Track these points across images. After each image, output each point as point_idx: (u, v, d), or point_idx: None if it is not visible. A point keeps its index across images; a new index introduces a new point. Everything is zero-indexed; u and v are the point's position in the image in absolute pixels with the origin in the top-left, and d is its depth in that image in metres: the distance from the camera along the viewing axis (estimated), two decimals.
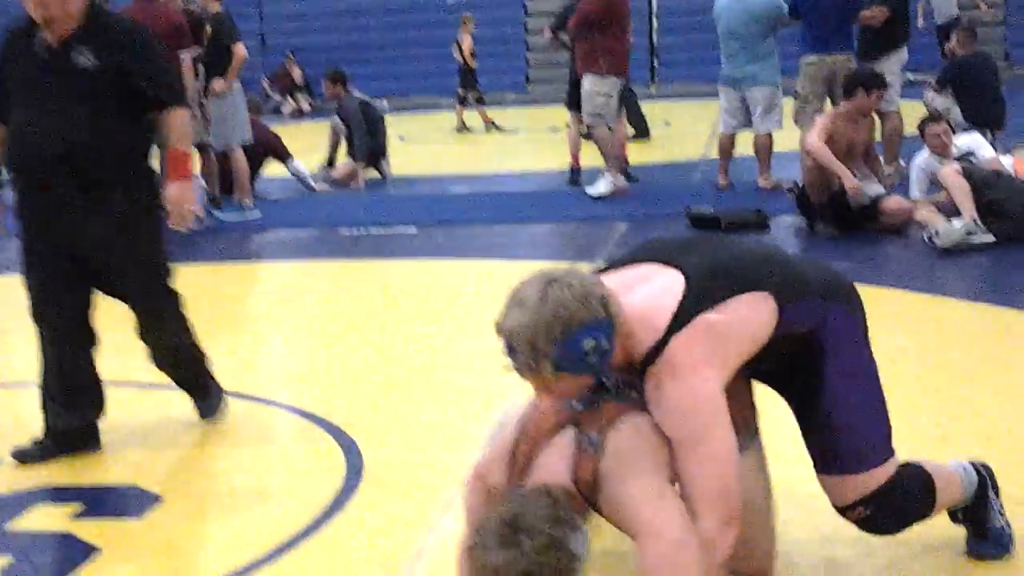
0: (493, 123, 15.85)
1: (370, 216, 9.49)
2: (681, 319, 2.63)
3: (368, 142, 11.24)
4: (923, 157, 7.93)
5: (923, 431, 4.22)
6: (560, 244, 8.52)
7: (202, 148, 9.66)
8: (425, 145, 14.80)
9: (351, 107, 11.28)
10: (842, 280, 2.99)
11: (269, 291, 7.51)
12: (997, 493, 3.20)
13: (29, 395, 4.57)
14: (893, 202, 7.74)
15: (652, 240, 3.05)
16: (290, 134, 12.05)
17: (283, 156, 10.86)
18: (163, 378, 5.26)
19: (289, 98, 20.68)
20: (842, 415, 2.86)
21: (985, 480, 3.16)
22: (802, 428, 2.95)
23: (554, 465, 2.68)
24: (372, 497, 3.79)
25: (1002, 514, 3.19)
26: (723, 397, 2.66)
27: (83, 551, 3.46)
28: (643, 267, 2.80)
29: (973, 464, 3.19)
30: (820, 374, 2.84)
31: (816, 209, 7.81)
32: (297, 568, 3.34)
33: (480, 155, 14.32)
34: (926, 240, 7.14)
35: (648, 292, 2.71)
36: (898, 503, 2.93)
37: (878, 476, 2.88)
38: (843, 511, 2.93)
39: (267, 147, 10.58)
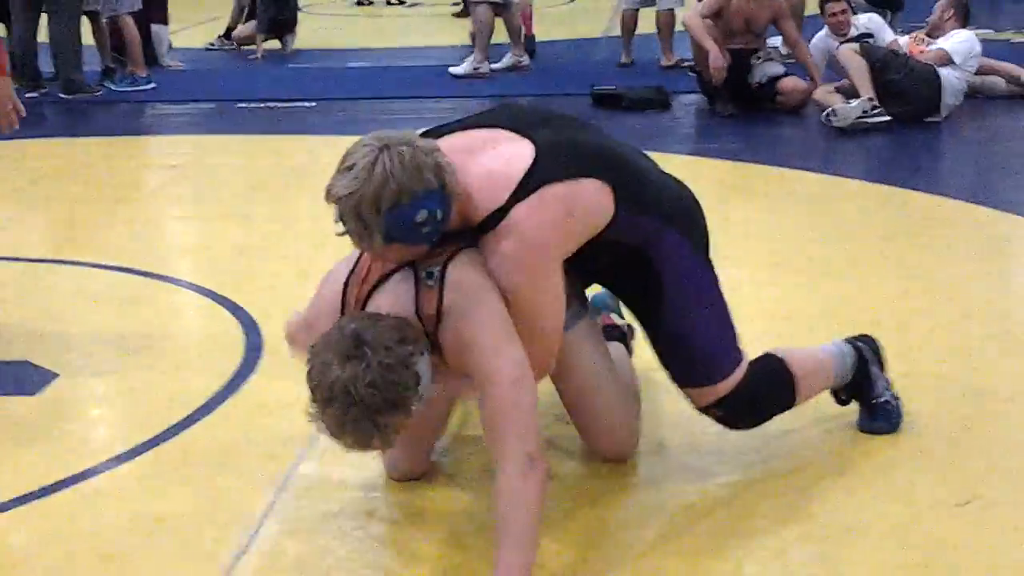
0: None
1: (268, 90, 9.31)
2: (526, 188, 2.61)
3: (273, 12, 11.00)
4: (821, 36, 7.98)
5: (817, 309, 4.31)
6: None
7: (93, 16, 9.37)
8: (325, 18, 14.50)
9: None
10: (685, 201, 3.02)
11: (164, 165, 7.36)
12: (883, 367, 3.25)
13: None
14: (790, 82, 7.78)
15: (509, 105, 3.00)
16: (190, 3, 11.73)
17: (159, 20, 10.50)
18: (55, 253, 5.18)
19: None
20: (684, 336, 2.92)
21: (865, 356, 3.21)
22: (650, 342, 3.02)
23: (392, 303, 2.62)
24: (271, 375, 3.78)
25: (889, 388, 3.24)
26: (560, 270, 2.70)
27: None
28: (494, 132, 2.74)
29: (852, 341, 3.24)
30: (658, 296, 2.88)
31: (712, 87, 7.81)
32: (196, 445, 3.33)
33: (381, 29, 14.08)
34: (823, 120, 7.21)
35: (493, 158, 2.67)
36: (751, 401, 3.00)
37: (728, 383, 2.95)
38: (702, 411, 3.03)
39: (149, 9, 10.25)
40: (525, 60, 9.69)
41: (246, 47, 11.32)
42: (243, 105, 8.77)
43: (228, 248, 5.34)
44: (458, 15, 13.44)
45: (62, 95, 9.03)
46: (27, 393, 3.68)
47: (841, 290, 4.51)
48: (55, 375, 3.80)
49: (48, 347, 4.05)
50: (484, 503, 2.84)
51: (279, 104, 8.76)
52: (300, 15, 11.67)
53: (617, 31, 10.15)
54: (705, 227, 3.02)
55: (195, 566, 2.76)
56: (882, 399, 3.22)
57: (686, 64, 9.16)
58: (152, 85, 9.38)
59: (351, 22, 14.60)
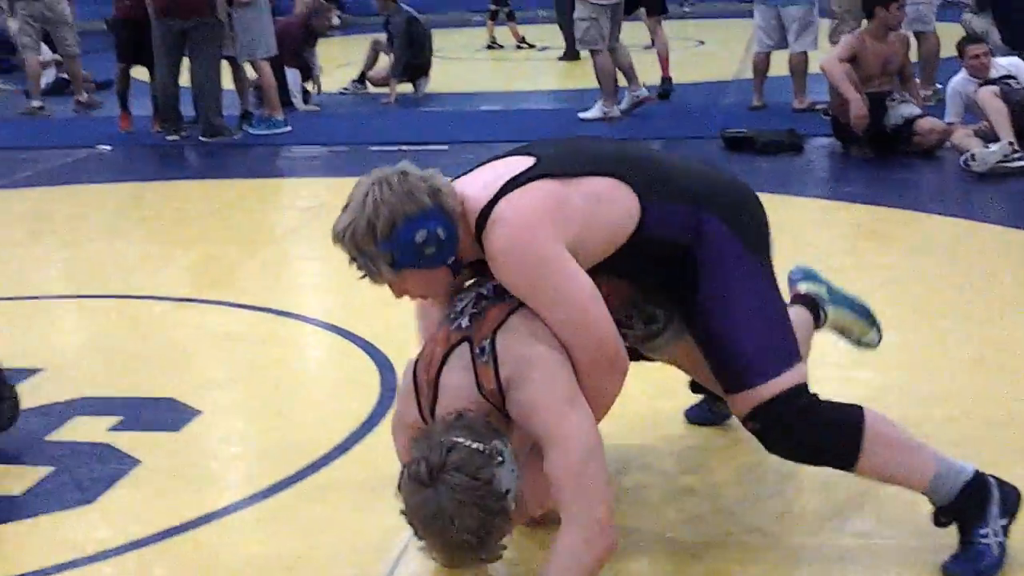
0: (524, 40, 15.69)
1: (400, 133, 9.46)
2: (515, 184, 2.59)
3: (408, 58, 11.21)
4: (959, 79, 7.82)
5: (955, 357, 4.22)
6: None
7: (232, 61, 9.64)
8: (456, 62, 14.70)
9: (398, 21, 11.24)
10: (725, 186, 2.83)
11: (299, 207, 7.51)
12: (1008, 516, 2.75)
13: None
14: (927, 123, 7.64)
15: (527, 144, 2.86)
16: (320, 49, 11.97)
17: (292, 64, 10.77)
18: (196, 292, 5.32)
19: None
20: (722, 334, 2.70)
21: (988, 490, 2.74)
22: (696, 344, 2.82)
23: (457, 383, 2.62)
24: None
25: (997, 535, 2.72)
26: (563, 249, 2.56)
27: (123, 462, 3.50)
28: (509, 158, 2.74)
29: (986, 475, 2.77)
30: (697, 291, 2.71)
31: (850, 130, 7.72)
32: (334, 484, 3.38)
33: (510, 73, 14.21)
34: (962, 165, 7.07)
35: (491, 171, 2.68)
36: (797, 423, 2.67)
37: (769, 388, 2.66)
38: (744, 424, 2.76)
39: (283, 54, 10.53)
40: (643, 92, 9.63)
41: (379, 89, 11.52)
42: (376, 148, 8.92)
43: (362, 288, 5.39)
44: (563, 58, 13.56)
45: (202, 138, 9.28)
46: (171, 429, 3.78)
47: (984, 338, 4.40)
48: (198, 412, 3.89)
49: (191, 385, 4.15)
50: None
51: (411, 147, 8.88)
52: (433, 60, 11.85)
53: (748, 73, 10.10)
54: (762, 222, 2.83)
55: None
56: (982, 542, 2.71)
57: (819, 107, 9.07)
58: (288, 128, 9.60)
59: (481, 66, 14.77)
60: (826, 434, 2.71)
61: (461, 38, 17.09)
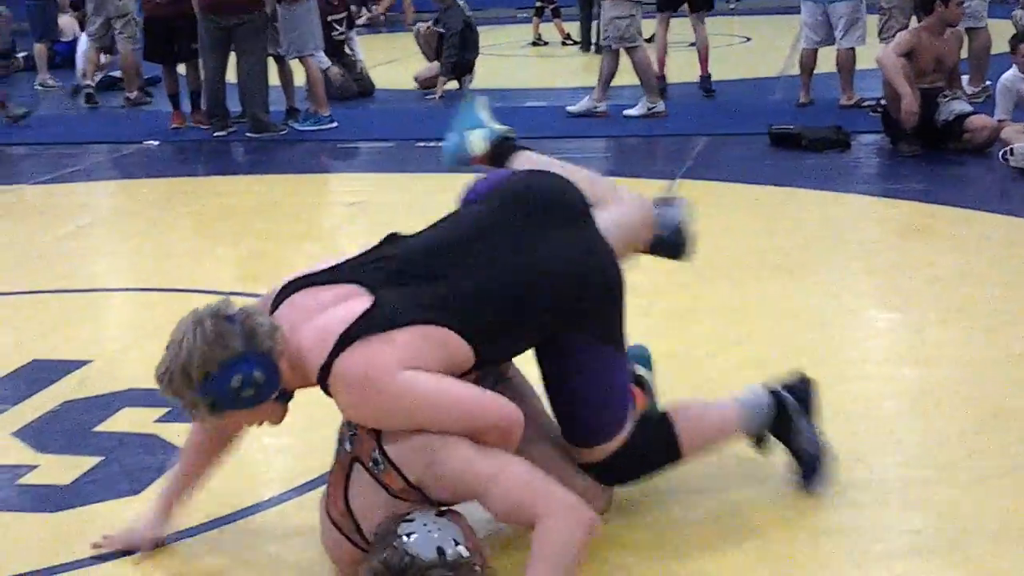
0: (569, 36, 15.67)
1: (446, 128, 9.44)
2: (347, 340, 2.60)
3: (459, 57, 11.24)
4: (1010, 75, 7.75)
5: (1001, 355, 4.18)
6: (636, 160, 8.46)
7: (278, 58, 9.69)
8: (501, 58, 14.70)
9: (455, 20, 11.27)
10: (559, 292, 2.81)
11: (344, 203, 7.55)
12: (808, 412, 3.18)
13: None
14: (978, 120, 7.58)
15: (372, 251, 2.87)
16: (366, 44, 12.05)
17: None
18: (242, 286, 5.35)
19: (365, 8, 20.57)
20: (576, 403, 2.92)
21: (787, 406, 3.15)
22: (547, 396, 3.00)
23: (371, 501, 2.68)
24: None
25: (812, 434, 3.17)
26: (405, 373, 2.60)
27: (170, 453, 3.54)
28: (344, 288, 2.72)
29: (776, 391, 3.17)
30: (556, 367, 2.90)
31: (899, 126, 7.66)
32: None
33: (555, 70, 14.20)
34: (1000, 159, 7.01)
35: (326, 318, 2.66)
36: (626, 463, 3.00)
37: (609, 447, 2.95)
38: (581, 467, 3.00)
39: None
40: (660, 107, 9.60)
41: (425, 89, 11.54)
42: (421, 144, 8.94)
43: None
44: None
45: (249, 134, 9.34)
46: None
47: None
48: None
49: None
50: None
51: None
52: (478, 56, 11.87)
53: (795, 70, 10.04)
54: (601, 298, 2.88)
55: None
56: (803, 447, 3.17)
57: (866, 103, 9.02)
58: (334, 124, 9.64)
59: (526, 62, 14.76)
60: (650, 461, 3.07)
61: (506, 35, 17.09)
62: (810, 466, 3.17)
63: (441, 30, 11.48)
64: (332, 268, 2.81)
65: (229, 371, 2.57)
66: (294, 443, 3.67)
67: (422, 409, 2.62)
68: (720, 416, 3.15)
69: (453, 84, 11.44)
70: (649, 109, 9.40)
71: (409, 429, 2.64)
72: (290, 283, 2.79)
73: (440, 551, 2.51)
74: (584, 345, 2.87)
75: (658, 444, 3.06)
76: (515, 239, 2.82)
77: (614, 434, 2.95)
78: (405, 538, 2.53)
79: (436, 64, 11.54)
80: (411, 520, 2.58)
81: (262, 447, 3.66)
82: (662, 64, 10.44)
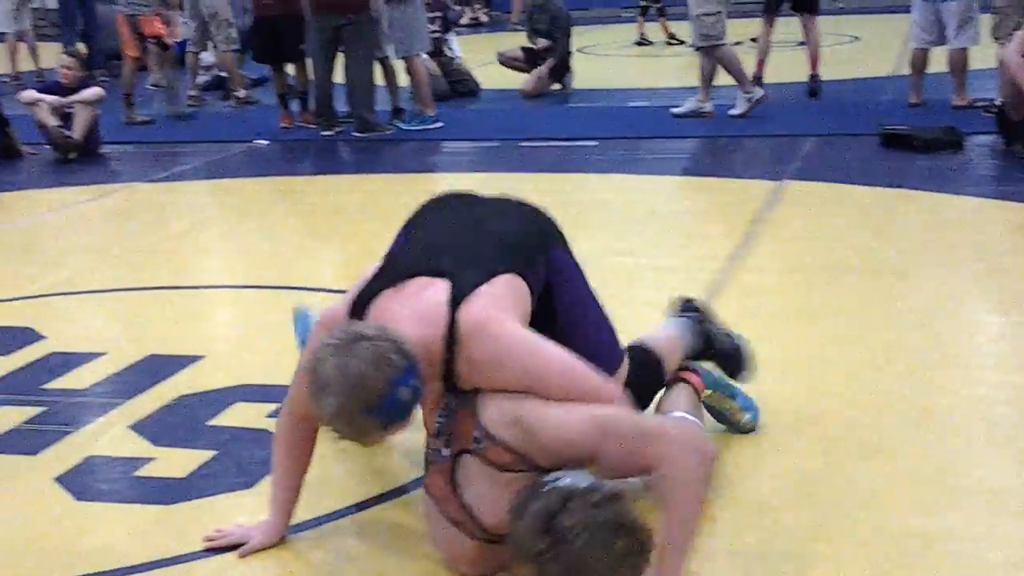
0: (674, 36, 15.58)
1: (550, 128, 9.49)
2: (455, 302, 2.75)
3: (564, 56, 11.29)
4: None
5: None
6: (741, 161, 8.39)
7: (383, 59, 9.77)
8: (605, 58, 14.68)
9: (563, 14, 11.30)
10: (547, 218, 3.20)
11: None
12: (711, 318, 3.65)
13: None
14: None
15: (414, 240, 3.15)
16: (469, 44, 12.10)
17: None
18: (348, 284, 5.41)
19: (467, 8, 20.68)
20: (578, 338, 2.98)
21: (695, 315, 3.62)
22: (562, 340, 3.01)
23: (486, 487, 2.71)
24: None
25: (730, 335, 3.64)
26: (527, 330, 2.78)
27: None
28: (411, 284, 2.83)
29: (684, 315, 3.63)
30: (555, 306, 3.02)
31: (1015, 127, 7.49)
32: None
33: (659, 69, 14.13)
34: None
35: (421, 304, 2.77)
36: (639, 391, 3.18)
37: (622, 373, 3.16)
38: None
39: None
40: (759, 93, 9.49)
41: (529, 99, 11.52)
42: (526, 143, 8.97)
43: None
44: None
45: (356, 134, 9.44)
46: None
47: None
48: None
49: None
50: None
51: (560, 143, 8.91)
52: (581, 56, 11.88)
53: (906, 70, 9.87)
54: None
55: None
56: (724, 344, 3.61)
57: (979, 104, 8.84)
58: (439, 124, 9.70)
59: (631, 62, 14.71)
60: (650, 387, 3.35)
61: (610, 34, 17.05)
62: (735, 357, 3.61)
63: (543, 41, 11.48)
64: (383, 272, 2.95)
65: (396, 387, 2.60)
66: (403, 440, 3.70)
67: (537, 356, 2.72)
68: (679, 344, 3.50)
69: (555, 86, 11.46)
70: (750, 100, 9.31)
71: (520, 385, 2.69)
72: (357, 299, 2.88)
73: (594, 482, 2.52)
74: (570, 261, 3.13)
75: (652, 372, 3.35)
76: (488, 206, 3.27)
77: (620, 357, 3.20)
78: (555, 482, 2.52)
79: (538, 71, 11.49)
80: (551, 477, 2.57)
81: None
82: (761, 64, 10.33)
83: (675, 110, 9.56)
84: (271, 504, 3.07)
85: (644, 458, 2.59)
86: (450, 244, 2.98)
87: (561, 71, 11.51)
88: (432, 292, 2.79)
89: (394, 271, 2.94)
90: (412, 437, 3.58)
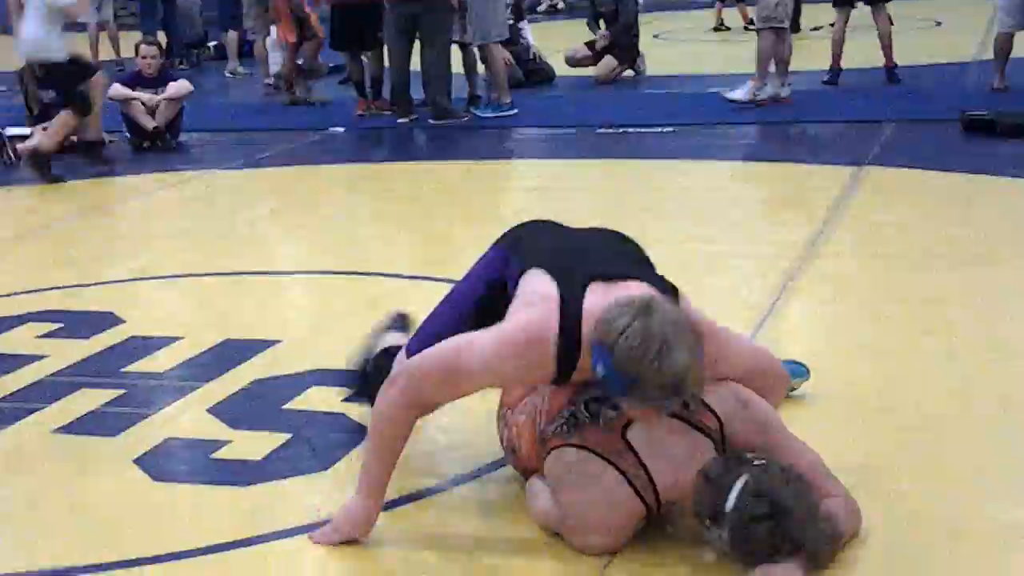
0: (752, 22, 15.41)
1: (627, 115, 9.43)
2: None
3: (635, 42, 11.26)
4: None
5: None
6: (821, 146, 8.27)
7: (462, 45, 9.78)
8: (682, 44, 14.58)
9: (630, 4, 11.28)
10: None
11: (525, 188, 7.57)
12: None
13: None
14: None
15: (564, 251, 3.08)
16: (546, 32, 12.07)
17: None
18: (422, 270, 5.43)
19: None
20: None
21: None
22: None
23: (690, 453, 2.80)
24: None
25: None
26: None
27: (356, 431, 3.60)
28: (615, 287, 2.84)
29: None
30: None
31: None
32: None
33: (738, 55, 13.99)
34: None
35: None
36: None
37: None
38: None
39: None
40: (766, 94, 9.32)
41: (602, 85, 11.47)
42: (601, 131, 8.92)
43: None
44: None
45: (432, 121, 9.46)
46: None
47: None
48: None
49: None
50: None
51: (637, 129, 8.86)
52: (658, 42, 11.79)
53: (989, 54, 9.69)
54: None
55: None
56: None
57: None
58: (515, 111, 9.68)
59: (708, 48, 14.59)
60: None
61: (687, 21, 16.94)
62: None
63: (603, 34, 11.41)
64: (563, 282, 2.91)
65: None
66: (477, 425, 3.70)
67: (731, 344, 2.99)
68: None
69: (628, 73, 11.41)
70: (755, 95, 9.20)
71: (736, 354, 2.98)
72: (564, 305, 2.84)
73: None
74: None
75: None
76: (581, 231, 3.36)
77: None
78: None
79: (608, 60, 11.42)
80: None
81: (447, 429, 3.69)
82: (837, 58, 10.18)
83: (735, 95, 9.40)
84: (372, 488, 2.97)
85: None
86: (608, 256, 3.12)
87: (631, 54, 11.42)
88: (639, 290, 2.81)
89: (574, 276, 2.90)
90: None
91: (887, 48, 10.13)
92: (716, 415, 2.83)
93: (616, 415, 2.80)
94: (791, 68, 9.39)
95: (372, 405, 3.13)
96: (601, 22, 11.59)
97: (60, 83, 8.27)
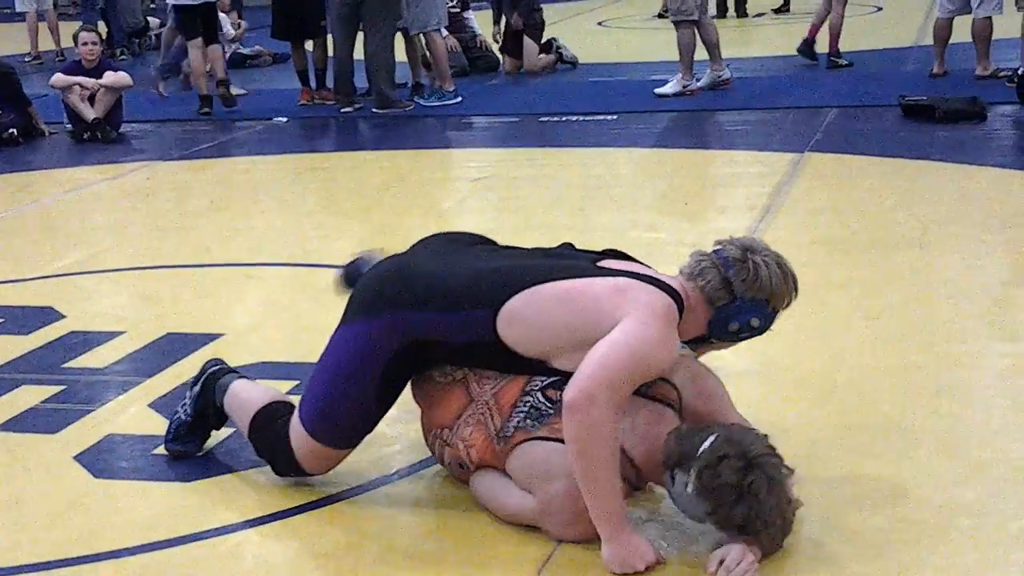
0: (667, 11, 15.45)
1: (570, 103, 9.45)
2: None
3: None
4: None
5: None
6: (764, 133, 8.32)
7: (406, 32, 9.75)
8: (625, 31, 14.60)
9: None
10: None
11: (469, 178, 7.57)
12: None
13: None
14: None
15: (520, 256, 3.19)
16: (488, 19, 12.04)
17: None
18: None
19: None
20: None
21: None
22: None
23: (643, 422, 2.90)
24: None
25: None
26: None
27: None
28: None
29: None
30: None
31: None
32: None
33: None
34: None
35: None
36: None
37: None
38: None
39: None
40: (725, 74, 9.43)
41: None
42: (545, 119, 8.93)
43: None
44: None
45: (375, 110, 9.42)
46: None
47: None
48: None
49: None
50: None
51: (580, 116, 8.87)
52: (601, 29, 11.77)
53: (929, 40, 9.79)
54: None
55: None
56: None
57: (1003, 74, 8.76)
58: (459, 99, 9.67)
59: (651, 36, 14.62)
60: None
61: (631, 7, 16.96)
62: None
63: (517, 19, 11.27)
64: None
65: None
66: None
67: None
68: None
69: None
70: (684, 87, 9.27)
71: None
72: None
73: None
74: None
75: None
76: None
77: None
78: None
79: (530, 47, 11.29)
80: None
81: (394, 420, 3.69)
82: (816, 29, 10.31)
83: (664, 88, 9.47)
84: (623, 519, 2.81)
85: None
86: (533, 251, 3.24)
87: (540, 32, 11.33)
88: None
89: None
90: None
91: (836, 36, 10.21)
92: (674, 386, 2.96)
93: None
94: (730, 53, 9.42)
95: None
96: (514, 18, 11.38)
97: None
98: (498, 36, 11.65)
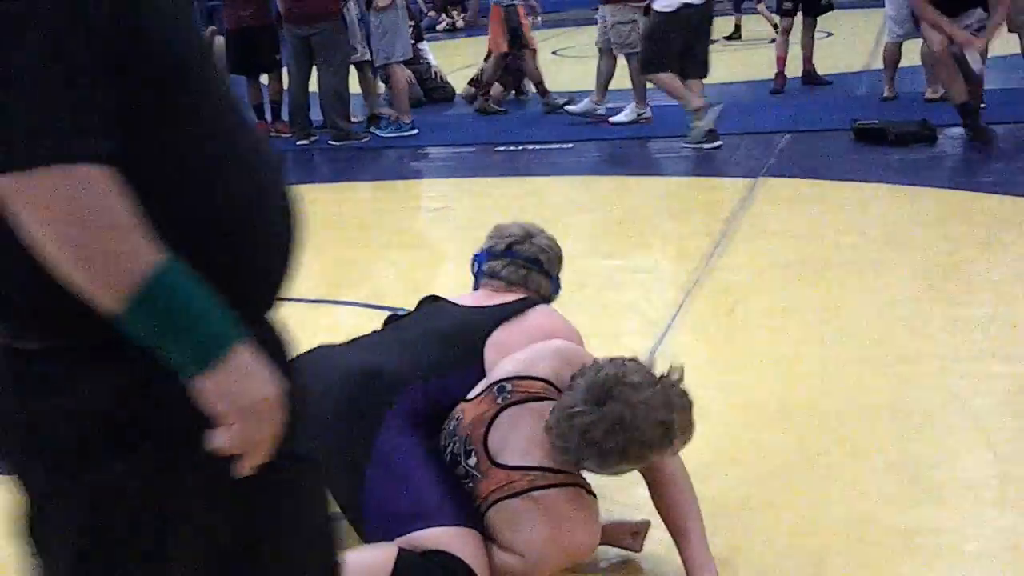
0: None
1: (526, 133, 9.49)
2: None
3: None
4: None
5: None
6: (719, 159, 8.39)
7: (359, 66, 9.77)
8: (579, 60, 14.68)
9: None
10: None
11: (428, 208, 7.59)
12: None
13: None
14: None
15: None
16: (446, 50, 12.09)
17: None
18: (330, 294, 5.41)
19: (444, 14, 20.69)
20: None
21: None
22: None
23: (527, 431, 2.82)
24: None
25: None
26: None
27: None
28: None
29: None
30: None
31: (961, 112, 7.60)
32: None
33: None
34: None
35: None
36: None
37: None
38: None
39: None
40: (647, 113, 9.49)
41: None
42: (502, 148, 8.97)
43: None
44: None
45: (331, 142, 9.44)
46: None
47: None
48: None
49: None
50: None
51: (537, 146, 8.92)
52: (555, 58, 11.82)
53: (879, 64, 9.92)
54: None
55: None
56: None
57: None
58: (415, 131, 9.70)
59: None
60: None
61: (586, 36, 17.04)
62: None
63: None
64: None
65: None
66: None
67: None
68: None
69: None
70: (639, 115, 9.36)
71: None
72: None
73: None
74: None
75: None
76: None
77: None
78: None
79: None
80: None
81: None
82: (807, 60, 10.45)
83: (570, 107, 9.71)
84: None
85: None
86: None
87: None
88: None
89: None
90: None
91: (808, 58, 10.42)
92: (538, 378, 2.86)
93: (475, 463, 2.78)
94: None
95: None
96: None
97: None
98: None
